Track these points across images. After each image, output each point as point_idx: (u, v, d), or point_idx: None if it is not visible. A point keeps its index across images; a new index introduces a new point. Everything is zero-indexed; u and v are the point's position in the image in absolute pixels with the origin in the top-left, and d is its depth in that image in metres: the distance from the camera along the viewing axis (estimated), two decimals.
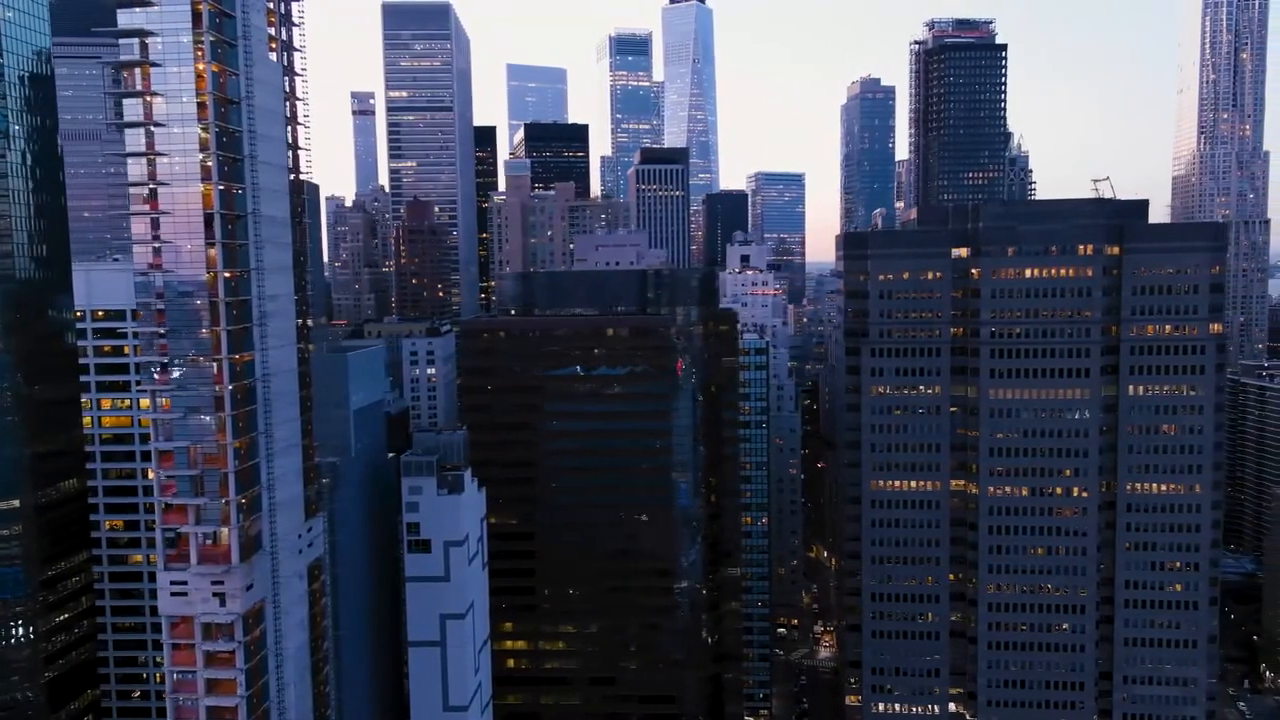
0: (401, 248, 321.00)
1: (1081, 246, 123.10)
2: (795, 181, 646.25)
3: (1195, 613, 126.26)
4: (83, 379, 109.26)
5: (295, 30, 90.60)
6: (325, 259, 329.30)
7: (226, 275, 77.55)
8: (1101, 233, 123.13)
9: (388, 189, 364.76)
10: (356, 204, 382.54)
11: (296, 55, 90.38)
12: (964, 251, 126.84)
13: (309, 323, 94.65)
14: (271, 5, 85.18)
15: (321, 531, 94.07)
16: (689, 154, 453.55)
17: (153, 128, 76.37)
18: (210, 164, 76.45)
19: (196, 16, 75.17)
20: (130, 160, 76.90)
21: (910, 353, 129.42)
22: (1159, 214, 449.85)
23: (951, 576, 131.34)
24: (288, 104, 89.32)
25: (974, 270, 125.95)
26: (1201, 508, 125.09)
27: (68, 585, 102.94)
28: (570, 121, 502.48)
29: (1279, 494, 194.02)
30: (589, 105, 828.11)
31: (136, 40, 75.65)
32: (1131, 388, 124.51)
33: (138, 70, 76.35)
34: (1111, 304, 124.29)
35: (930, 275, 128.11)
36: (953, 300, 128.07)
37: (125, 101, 77.12)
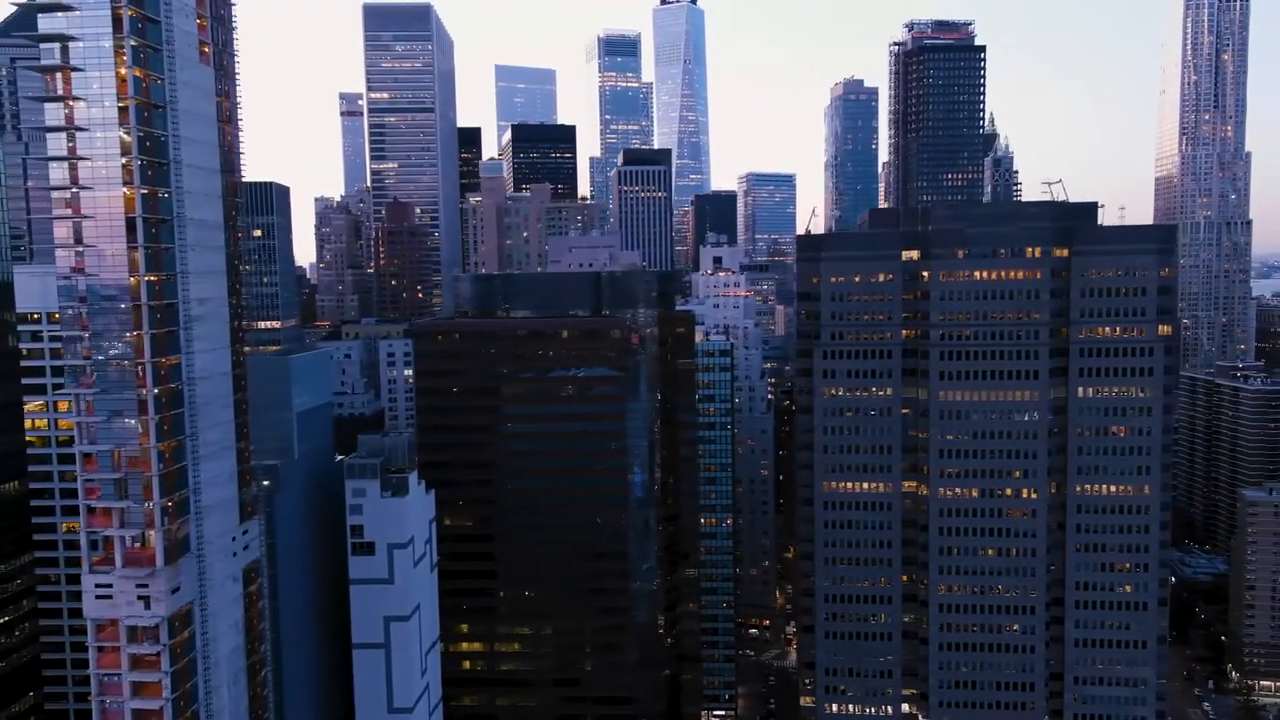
0: (381, 249, 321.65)
1: (1030, 249, 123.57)
2: (786, 182, 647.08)
3: (1145, 613, 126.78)
4: (32, 380, 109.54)
5: (231, 34, 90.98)
6: (314, 259, 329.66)
7: (150, 279, 77.84)
8: (1050, 235, 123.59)
9: (370, 190, 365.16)
10: (340, 205, 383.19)
11: (231, 58, 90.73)
12: (914, 254, 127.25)
13: (244, 325, 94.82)
14: (202, 10, 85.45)
15: (259, 534, 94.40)
16: (672, 155, 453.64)
17: (75, 132, 76.67)
18: (133, 168, 76.79)
19: (117, 21, 75.49)
20: (52, 164, 77.18)
21: (862, 355, 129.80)
22: (1142, 215, 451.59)
23: (904, 578, 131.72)
24: (221, 107, 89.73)
25: (924, 273, 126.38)
26: (1150, 509, 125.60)
27: (9, 588, 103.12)
28: (559, 123, 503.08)
29: (1246, 495, 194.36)
30: (579, 106, 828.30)
31: (57, 45, 75.94)
32: (1081, 389, 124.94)
33: (59, 75, 76.64)
34: (1061, 306, 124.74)
35: (881, 278, 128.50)
36: (904, 302, 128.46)
37: (47, 106, 77.41)
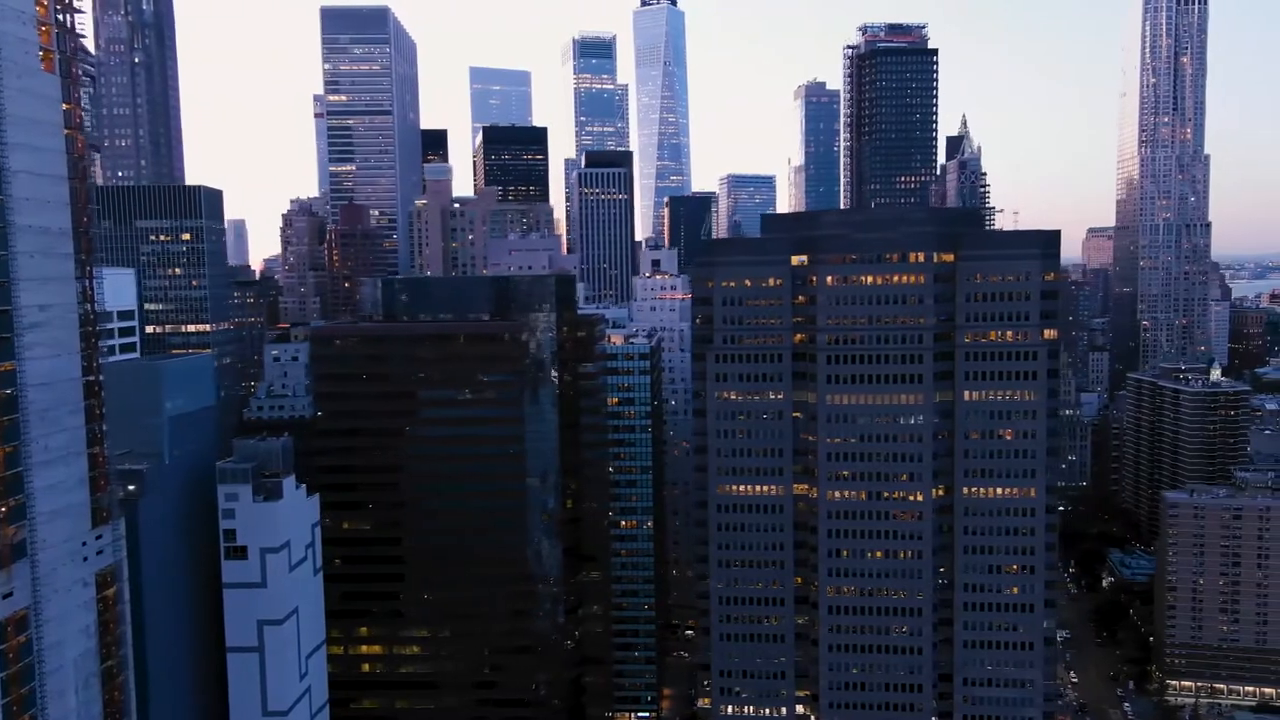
0: (334, 251, 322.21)
1: (914, 254, 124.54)
2: (766, 184, 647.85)
3: (1032, 615, 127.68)
4: None
5: (78, 42, 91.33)
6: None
7: None
8: (935, 240, 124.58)
9: (330, 192, 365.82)
10: (302, 207, 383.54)
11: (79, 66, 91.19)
12: (804, 259, 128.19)
13: (96, 329, 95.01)
14: (44, 16, 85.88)
15: (116, 538, 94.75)
16: (633, 159, 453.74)
17: None
18: None
19: None
20: None
21: (754, 359, 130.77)
22: (1106, 219, 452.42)
23: (797, 580, 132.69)
24: (72, 114, 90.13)
25: (812, 278, 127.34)
26: (1036, 511, 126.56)
27: None
28: (535, 124, 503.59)
29: (1167, 497, 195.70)
30: (556, 108, 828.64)
31: None
32: (967, 393, 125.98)
33: None
34: (948, 311, 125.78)
35: (771, 282, 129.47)
36: (793, 307, 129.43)
37: None
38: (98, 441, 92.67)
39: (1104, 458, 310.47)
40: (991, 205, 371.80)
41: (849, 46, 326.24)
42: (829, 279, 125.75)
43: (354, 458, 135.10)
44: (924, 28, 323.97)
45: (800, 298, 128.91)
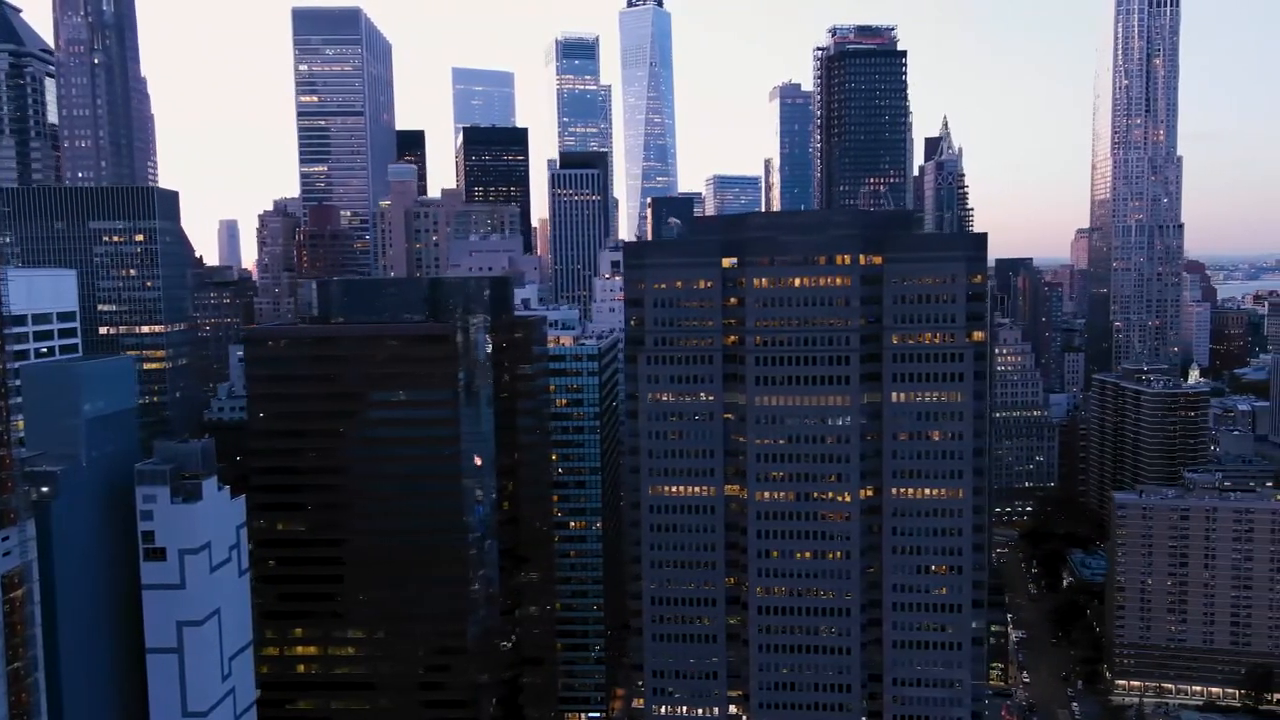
0: (303, 253, 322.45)
1: (841, 256, 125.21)
2: (752, 184, 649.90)
3: (960, 615, 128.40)
4: None
5: None
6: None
7: None
8: (861, 243, 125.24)
9: (301, 194, 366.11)
10: (278, 208, 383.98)
11: None
12: (734, 261, 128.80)
13: (4, 332, 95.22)
14: None
15: (24, 540, 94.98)
16: (608, 159, 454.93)
17: None
18: None
19: None
20: None
21: (685, 360, 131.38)
22: (1080, 219, 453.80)
23: (729, 580, 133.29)
24: None
25: (741, 280, 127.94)
26: (964, 512, 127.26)
27: None
28: (517, 125, 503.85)
29: (1116, 498, 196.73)
30: (538, 109, 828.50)
31: None
32: (894, 395, 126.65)
33: None
34: (875, 313, 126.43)
35: (702, 284, 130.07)
36: (724, 309, 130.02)
37: None
38: (4, 444, 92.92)
39: (1072, 458, 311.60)
40: (971, 206, 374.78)
41: (819, 48, 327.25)
42: (757, 281, 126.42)
43: (289, 459, 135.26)
44: (893, 30, 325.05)
45: (731, 299, 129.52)
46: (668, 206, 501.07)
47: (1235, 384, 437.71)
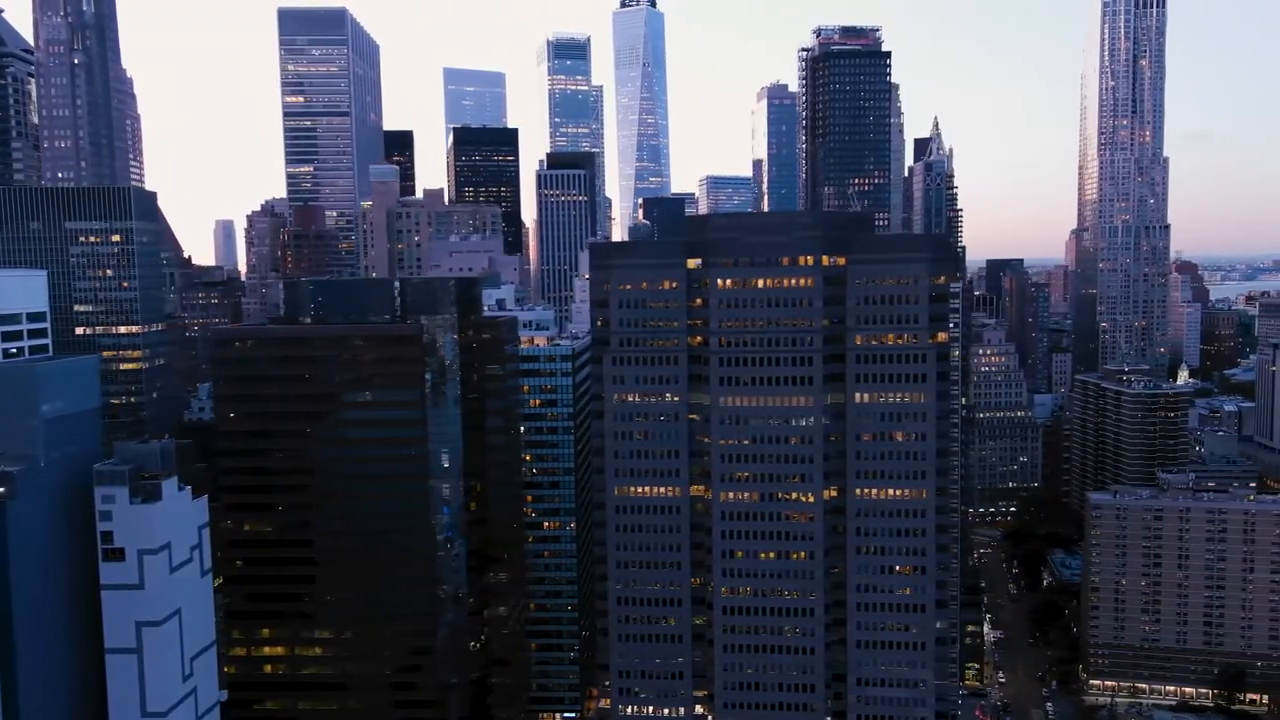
0: (287, 253, 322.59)
1: (804, 257, 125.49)
2: (745, 185, 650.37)
3: (923, 615, 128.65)
4: None
5: None
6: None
7: None
8: (824, 244, 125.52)
9: (287, 194, 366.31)
10: (266, 208, 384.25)
11: None
12: (698, 262, 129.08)
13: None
14: None
15: None
16: (596, 160, 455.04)
17: None
18: None
19: None
20: None
21: (651, 361, 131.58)
22: (1073, 220, 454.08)
23: (694, 580, 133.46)
24: None
25: (706, 280, 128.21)
26: (927, 512, 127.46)
27: None
28: (509, 126, 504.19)
29: (1091, 498, 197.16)
30: (530, 109, 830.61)
31: None
32: (858, 395, 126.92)
33: None
34: (839, 314, 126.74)
35: (667, 285, 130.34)
36: (689, 310, 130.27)
37: None
38: None
39: (1055, 459, 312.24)
40: (960, 207, 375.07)
41: (804, 49, 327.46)
42: (721, 282, 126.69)
43: (256, 460, 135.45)
44: (878, 31, 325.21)
45: (696, 300, 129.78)
46: (660, 207, 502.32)
47: (1225, 384, 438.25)
